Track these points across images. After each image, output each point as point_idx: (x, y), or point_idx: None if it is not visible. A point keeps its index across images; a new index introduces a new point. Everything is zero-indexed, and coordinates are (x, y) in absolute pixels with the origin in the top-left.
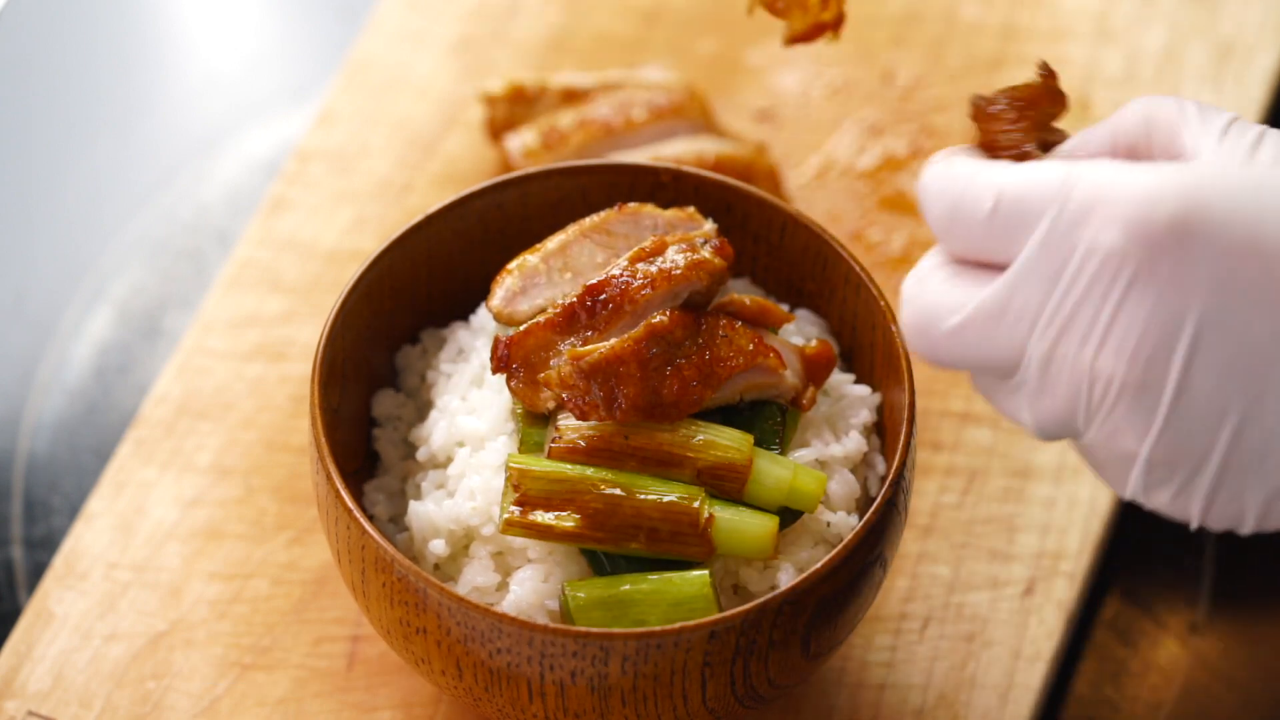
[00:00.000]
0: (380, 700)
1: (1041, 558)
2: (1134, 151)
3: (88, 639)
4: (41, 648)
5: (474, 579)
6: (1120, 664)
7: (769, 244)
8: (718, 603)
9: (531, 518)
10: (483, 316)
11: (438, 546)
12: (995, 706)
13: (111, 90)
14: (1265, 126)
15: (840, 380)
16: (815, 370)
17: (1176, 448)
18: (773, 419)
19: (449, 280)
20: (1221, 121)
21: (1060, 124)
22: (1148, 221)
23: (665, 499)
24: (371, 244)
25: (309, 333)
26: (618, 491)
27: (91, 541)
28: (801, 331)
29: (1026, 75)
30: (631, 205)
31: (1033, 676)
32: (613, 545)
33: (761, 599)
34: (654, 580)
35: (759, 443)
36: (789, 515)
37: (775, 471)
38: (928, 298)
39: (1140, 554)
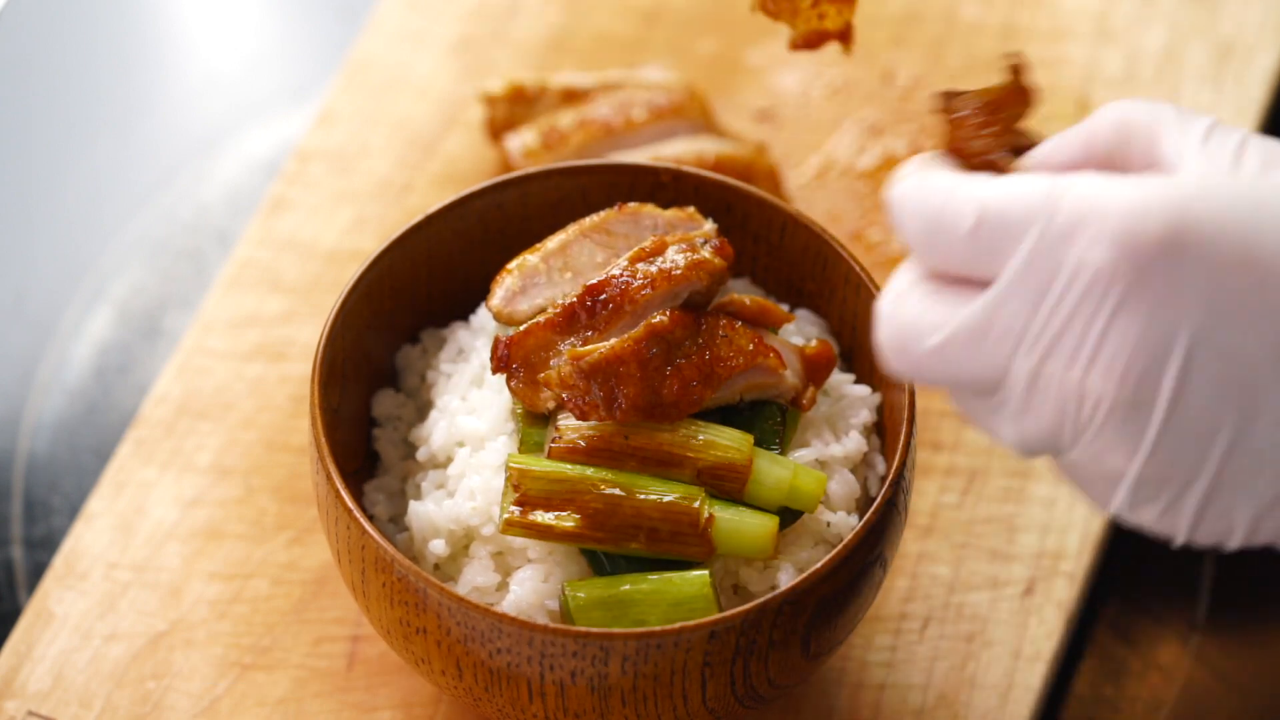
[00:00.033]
0: (380, 700)
1: (1041, 558)
2: (1109, 159)
3: (88, 639)
4: (41, 648)
5: (474, 579)
6: (1120, 664)
7: (769, 244)
8: (718, 603)
9: (531, 518)
10: (483, 316)
11: (438, 546)
12: (995, 706)
13: (111, 90)
14: (1245, 130)
15: (840, 380)
16: (815, 370)
17: (1166, 466)
18: (773, 419)
19: (449, 280)
20: (1201, 127)
21: (1060, 126)
22: (1138, 237)
23: (665, 499)
24: (371, 244)
25: (309, 333)
26: (618, 491)
27: (91, 541)
28: (801, 331)
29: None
30: (631, 205)
31: (1033, 676)
32: (613, 545)
33: (761, 599)
34: (654, 580)
35: (759, 443)
36: (789, 515)
37: (775, 471)
38: (906, 315)
39: (1140, 554)
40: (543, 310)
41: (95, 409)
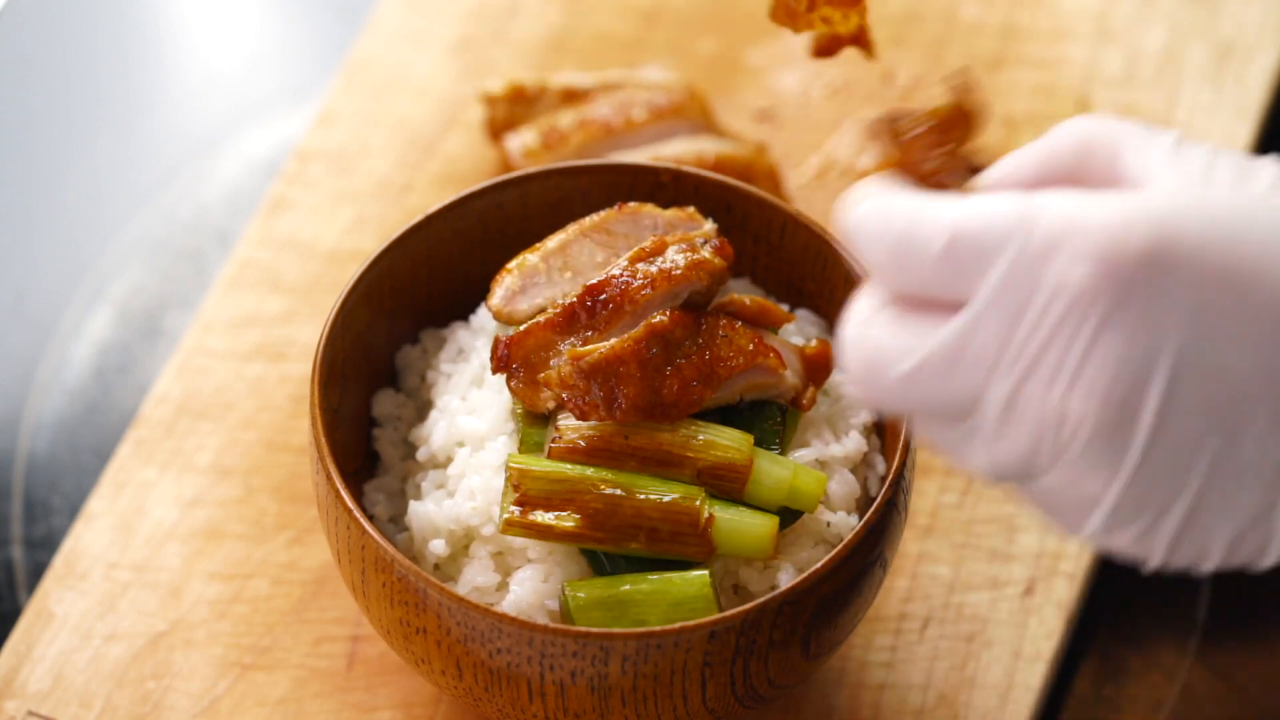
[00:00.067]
0: (380, 700)
1: (1041, 558)
2: (1069, 177)
3: (88, 639)
4: (41, 648)
5: (474, 579)
6: (1120, 663)
7: (769, 244)
8: (718, 603)
9: (531, 518)
10: (483, 316)
11: (438, 546)
12: (995, 706)
13: (111, 90)
14: (1209, 145)
15: (840, 380)
16: (815, 370)
17: (1147, 488)
18: (773, 419)
19: (449, 280)
20: (1167, 142)
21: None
22: (1120, 254)
23: (665, 499)
24: (371, 244)
25: (309, 333)
26: (618, 491)
27: (91, 541)
28: (801, 331)
29: (1027, 75)
30: (631, 205)
31: (1033, 676)
32: (613, 545)
33: (761, 599)
34: (654, 580)
35: (759, 443)
36: (789, 515)
37: (775, 471)
38: (873, 342)
39: None
40: (542, 310)
41: (95, 409)
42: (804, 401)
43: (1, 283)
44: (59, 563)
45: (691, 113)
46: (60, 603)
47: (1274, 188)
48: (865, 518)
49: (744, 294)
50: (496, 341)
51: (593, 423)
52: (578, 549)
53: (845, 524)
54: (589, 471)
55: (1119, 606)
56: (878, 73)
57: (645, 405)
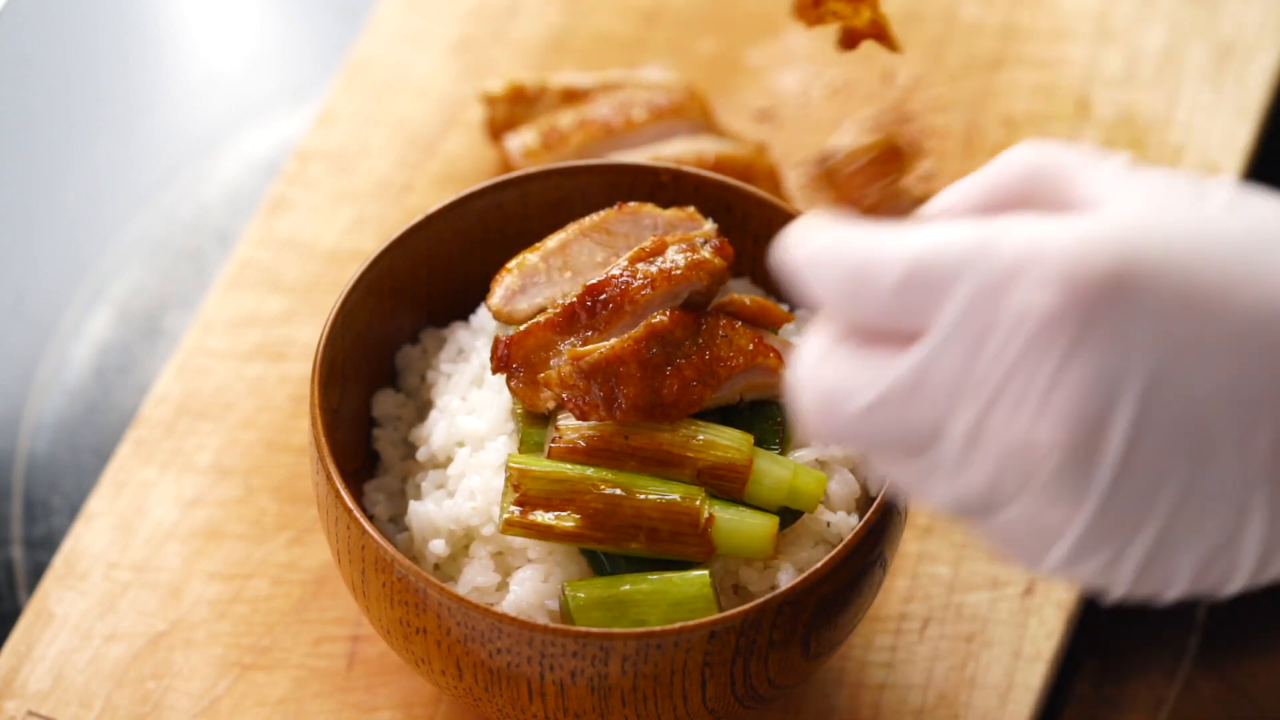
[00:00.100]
0: (380, 700)
1: None
2: (1018, 205)
3: (88, 639)
4: (41, 648)
5: (474, 579)
6: (1120, 663)
7: (769, 244)
8: (718, 603)
9: (531, 518)
10: (483, 316)
11: (438, 546)
12: (995, 706)
13: (111, 90)
14: (1160, 167)
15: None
16: None
17: (1114, 516)
18: (773, 419)
19: (449, 280)
20: (1116, 165)
21: (1060, 126)
22: (1084, 278)
23: (665, 499)
24: (371, 244)
25: (309, 333)
26: (618, 491)
27: (91, 541)
28: (801, 331)
29: (1026, 76)
30: (631, 205)
31: (1033, 676)
32: (613, 545)
33: (761, 599)
34: (654, 580)
35: (759, 443)
36: (789, 515)
37: (775, 471)
38: (829, 378)
39: None
40: (542, 309)
41: (95, 409)
42: None
43: (1, 283)
44: (59, 563)
45: (691, 113)
46: (60, 603)
47: (1230, 207)
48: (865, 518)
49: (744, 294)
50: (496, 341)
51: (593, 423)
52: (578, 549)
53: (845, 524)
54: (589, 471)
55: (1119, 606)
56: (878, 72)
57: (645, 405)
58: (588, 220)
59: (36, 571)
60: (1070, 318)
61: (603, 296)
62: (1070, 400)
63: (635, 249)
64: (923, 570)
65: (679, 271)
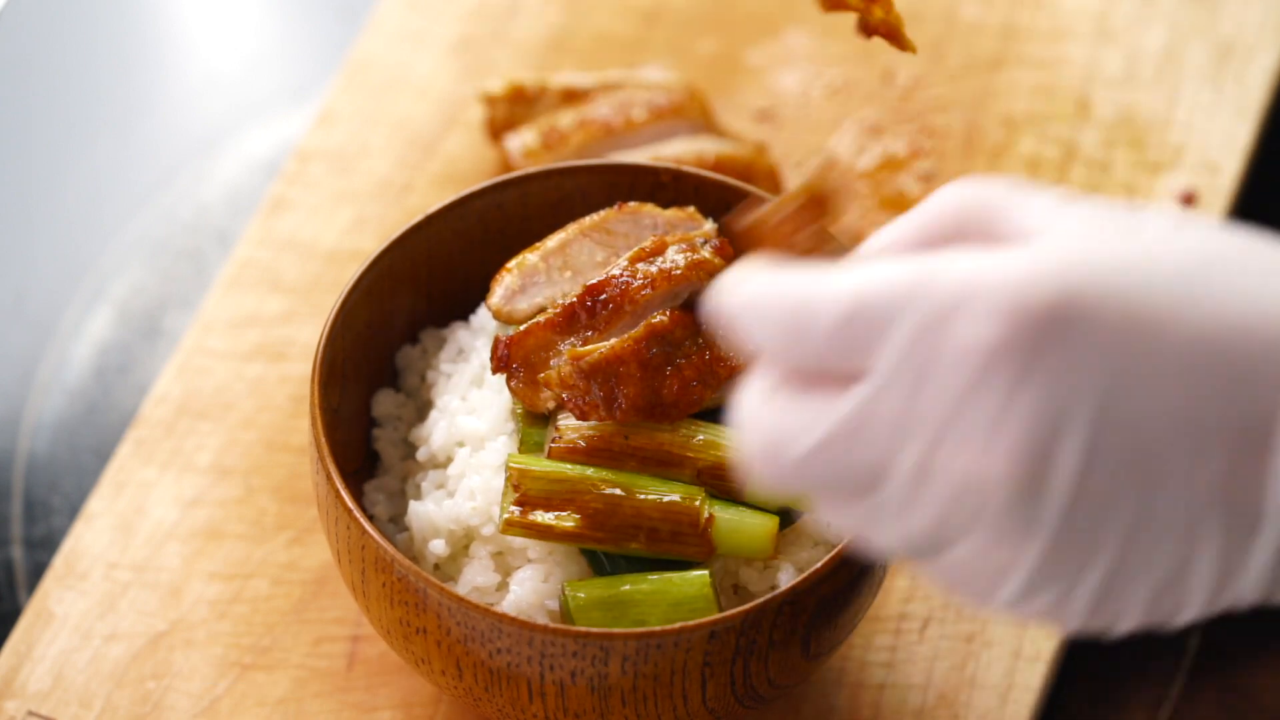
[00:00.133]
0: (380, 700)
1: None
2: (955, 241)
3: (88, 639)
4: (41, 648)
5: (474, 579)
6: (1121, 663)
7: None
8: (718, 603)
9: (531, 518)
10: (483, 316)
11: (438, 546)
12: (995, 706)
13: (111, 90)
14: (1091, 198)
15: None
16: None
17: (1065, 550)
18: None
19: (449, 280)
20: (1049, 198)
21: (1060, 125)
22: (1027, 309)
23: (665, 499)
24: (371, 244)
25: (309, 333)
26: (618, 491)
27: (91, 541)
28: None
29: (1027, 75)
30: (631, 205)
31: (1033, 676)
32: (613, 545)
33: (761, 599)
34: (654, 580)
35: None
36: (789, 515)
37: None
38: (771, 423)
39: None
40: (542, 309)
41: (95, 409)
42: None
43: (1, 283)
44: (59, 563)
45: (691, 113)
46: (60, 603)
47: (1168, 234)
48: None
49: None
50: (496, 341)
51: (593, 423)
52: (578, 549)
53: None
54: (589, 471)
55: None
56: (878, 72)
57: (645, 405)
58: (588, 220)
59: (36, 571)
60: (1014, 350)
61: (603, 296)
62: (1017, 433)
63: (635, 249)
64: None
65: (679, 271)
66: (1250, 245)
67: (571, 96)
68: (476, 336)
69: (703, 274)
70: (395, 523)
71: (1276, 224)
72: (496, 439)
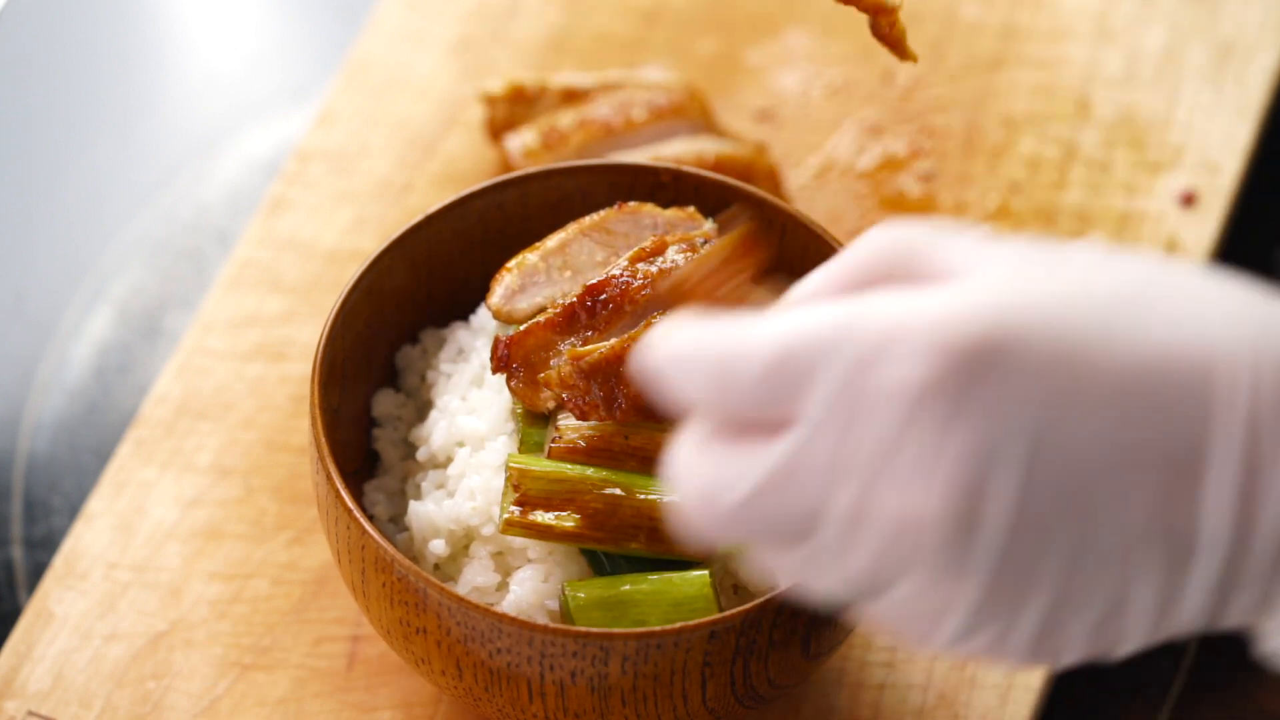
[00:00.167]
0: (380, 700)
1: None
2: (881, 284)
3: (88, 639)
4: (41, 648)
5: (474, 579)
6: (1121, 662)
7: (769, 244)
8: (718, 603)
9: (531, 518)
10: (483, 316)
11: (438, 546)
12: (995, 706)
13: (111, 90)
14: (1017, 235)
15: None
16: None
17: (1003, 586)
18: None
19: (449, 280)
20: (974, 238)
21: (1060, 126)
22: (955, 347)
23: (665, 499)
24: (371, 244)
25: (309, 333)
26: (618, 491)
27: (91, 541)
28: None
29: (1027, 75)
30: (631, 204)
31: (1033, 677)
32: (613, 545)
33: (761, 599)
34: (654, 580)
35: None
36: None
37: None
38: (704, 474)
39: None
40: (542, 309)
41: (95, 409)
42: None
43: (1, 283)
44: (59, 563)
45: (691, 113)
46: (60, 603)
47: (1094, 267)
48: None
49: None
50: (496, 341)
51: (593, 423)
52: (578, 549)
53: None
54: (589, 471)
55: None
56: (878, 73)
57: (645, 405)
58: (588, 220)
59: (36, 571)
60: (943, 388)
61: (603, 296)
62: (949, 471)
63: (635, 249)
64: None
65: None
66: (1177, 275)
67: (571, 96)
68: (476, 336)
69: None
70: (395, 523)
71: (1277, 224)
72: (496, 439)
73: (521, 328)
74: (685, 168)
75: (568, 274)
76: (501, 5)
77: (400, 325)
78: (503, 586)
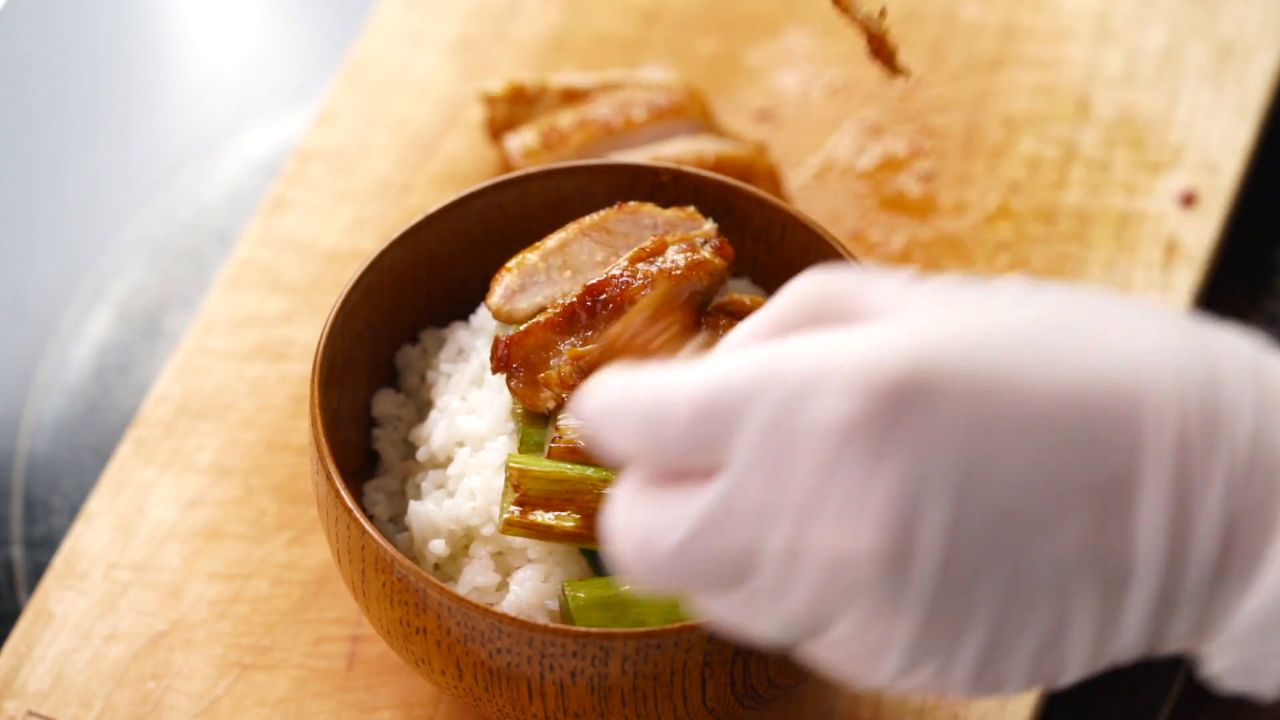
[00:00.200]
0: (380, 700)
1: None
2: (807, 329)
3: (88, 639)
4: (41, 648)
5: (474, 579)
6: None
7: (769, 244)
8: None
9: (531, 518)
10: (483, 316)
11: (438, 546)
12: (995, 706)
13: (111, 90)
14: (942, 276)
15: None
16: None
17: (941, 619)
18: None
19: (449, 280)
20: (899, 279)
21: (1060, 125)
22: (879, 385)
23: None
24: (371, 244)
25: (309, 333)
26: None
27: (91, 541)
28: None
29: (1027, 75)
30: (631, 204)
31: None
32: None
33: None
34: None
35: None
36: None
37: None
38: (639, 523)
39: None
40: (542, 309)
41: (95, 409)
42: None
43: (1, 283)
44: (59, 563)
45: (691, 113)
46: (60, 603)
47: (1017, 302)
48: None
49: (744, 294)
50: (496, 341)
51: None
52: (578, 549)
53: None
54: (589, 471)
55: None
56: (878, 73)
57: None
58: (588, 220)
59: (36, 571)
60: (870, 425)
61: (603, 296)
62: (880, 507)
63: (635, 249)
64: None
65: (679, 271)
66: (1100, 305)
67: (571, 96)
68: (476, 336)
69: (703, 274)
70: (395, 523)
71: (1277, 224)
72: (496, 439)
73: (521, 328)
74: (685, 168)
75: (568, 274)
76: (501, 5)
77: (400, 325)
78: (503, 586)
